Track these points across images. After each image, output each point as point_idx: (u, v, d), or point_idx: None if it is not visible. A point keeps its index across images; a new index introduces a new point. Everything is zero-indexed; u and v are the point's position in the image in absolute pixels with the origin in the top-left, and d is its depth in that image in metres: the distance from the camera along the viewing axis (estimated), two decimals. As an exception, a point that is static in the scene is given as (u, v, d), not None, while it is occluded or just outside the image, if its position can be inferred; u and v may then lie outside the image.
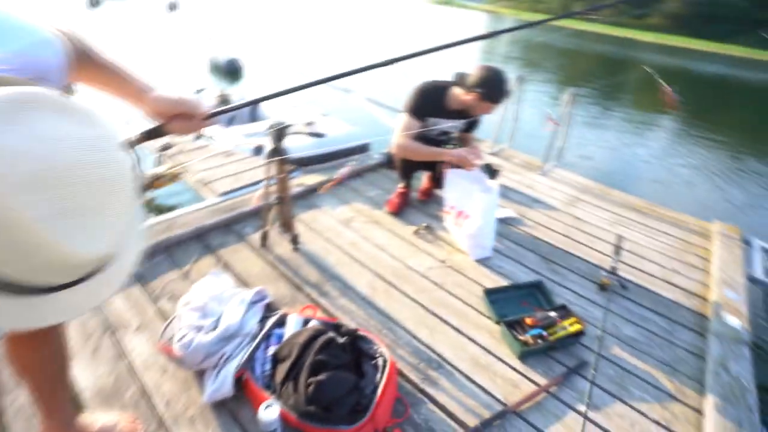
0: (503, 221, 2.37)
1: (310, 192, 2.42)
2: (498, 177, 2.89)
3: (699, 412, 1.40)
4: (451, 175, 2.04)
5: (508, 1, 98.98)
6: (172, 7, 17.35)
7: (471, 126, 2.19)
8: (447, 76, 1.97)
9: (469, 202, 1.94)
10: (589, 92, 10.40)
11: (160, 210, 3.03)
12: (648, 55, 26.45)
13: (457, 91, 1.88)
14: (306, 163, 2.77)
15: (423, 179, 2.52)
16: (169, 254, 1.80)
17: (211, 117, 0.77)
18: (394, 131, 1.98)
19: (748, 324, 1.81)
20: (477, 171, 1.96)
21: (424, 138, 2.05)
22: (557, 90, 10.15)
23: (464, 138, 2.30)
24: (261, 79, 7.80)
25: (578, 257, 2.17)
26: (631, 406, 1.38)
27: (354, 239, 2.06)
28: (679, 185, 5.01)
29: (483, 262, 1.99)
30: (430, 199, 2.47)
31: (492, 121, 3.36)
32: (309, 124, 3.83)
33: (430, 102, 1.92)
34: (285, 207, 1.83)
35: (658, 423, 1.33)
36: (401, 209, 2.32)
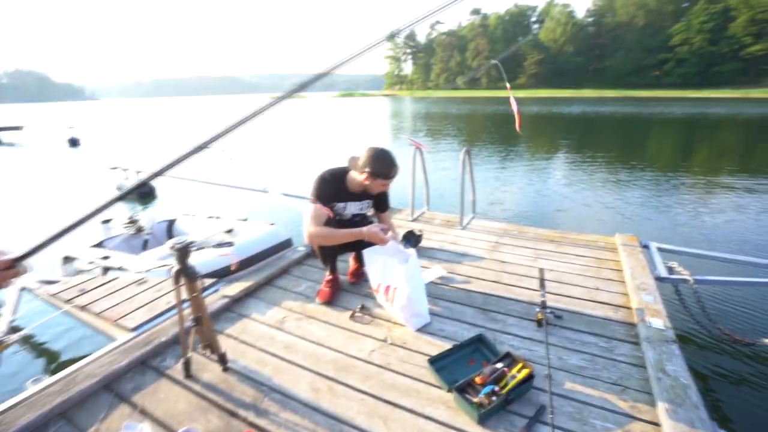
0: (435, 282, 2.42)
1: (235, 302, 2.28)
2: (421, 241, 3.01)
3: (656, 424, 1.41)
4: (368, 254, 2.06)
5: (402, 84, 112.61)
6: (74, 143, 16.87)
7: (381, 204, 2.29)
8: (341, 162, 2.09)
9: (392, 276, 1.96)
10: (488, 146, 11.71)
11: (57, 366, 2.62)
12: (524, 108, 31.21)
13: (353, 174, 1.99)
14: (225, 273, 2.65)
15: (350, 261, 2.52)
16: (68, 420, 1.52)
17: (18, 261, 0.69)
18: (303, 222, 2.00)
19: (669, 321, 1.95)
20: (392, 244, 2.01)
21: (339, 223, 2.09)
22: (459, 150, 11.30)
23: (380, 217, 2.38)
24: (176, 195, 7.63)
25: (511, 299, 2.24)
26: (596, 440, 1.35)
27: (289, 341, 1.93)
28: (580, 209, 5.63)
29: (423, 329, 1.97)
30: (361, 280, 2.46)
31: (406, 190, 3.58)
32: (229, 231, 3.75)
33: (332, 188, 2.00)
34: (205, 327, 1.69)
35: (624, 450, 1.32)
36: (333, 297, 2.26)
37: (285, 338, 1.96)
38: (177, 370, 1.75)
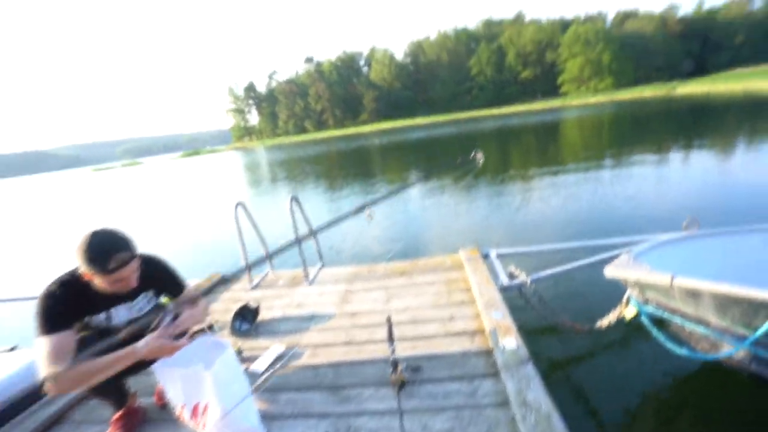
0: (272, 366, 1.93)
1: None
2: (259, 314, 2.50)
3: (533, 481, 1.20)
4: (159, 370, 1.47)
5: (251, 135, 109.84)
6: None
7: (169, 288, 1.70)
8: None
9: (199, 389, 1.41)
10: (335, 184, 11.81)
11: None
12: (369, 141, 33.62)
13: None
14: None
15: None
16: None
17: None
18: (39, 369, 1.29)
19: (520, 336, 1.87)
20: (198, 341, 1.47)
21: (113, 343, 1.44)
22: (311, 192, 11.08)
23: (186, 298, 1.79)
24: None
25: (365, 362, 1.90)
26: None
27: None
28: (433, 228, 5.83)
29: (256, 450, 1.46)
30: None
31: (235, 255, 3.02)
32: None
33: (72, 300, 1.37)
34: None
35: None
36: (128, 441, 1.57)
37: None
38: None
